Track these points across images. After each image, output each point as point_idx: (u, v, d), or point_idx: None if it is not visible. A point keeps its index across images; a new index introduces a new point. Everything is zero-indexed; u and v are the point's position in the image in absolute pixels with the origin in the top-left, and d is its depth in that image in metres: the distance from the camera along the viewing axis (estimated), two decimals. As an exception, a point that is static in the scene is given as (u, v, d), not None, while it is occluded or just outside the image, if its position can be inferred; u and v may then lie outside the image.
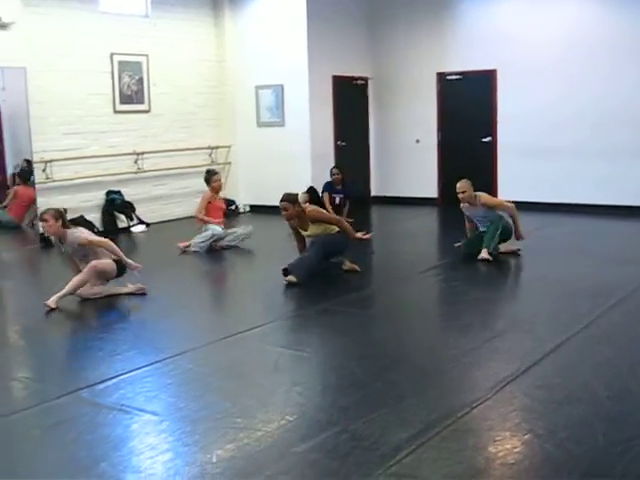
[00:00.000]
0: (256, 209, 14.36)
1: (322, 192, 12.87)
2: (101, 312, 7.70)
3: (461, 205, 9.72)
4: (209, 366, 5.92)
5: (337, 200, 12.86)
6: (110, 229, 12.40)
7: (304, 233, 9.03)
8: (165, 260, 10.35)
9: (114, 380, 5.40)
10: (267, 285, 8.50)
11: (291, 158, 13.84)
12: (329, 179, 13.03)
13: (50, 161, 11.65)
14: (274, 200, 13.60)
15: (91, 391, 5.19)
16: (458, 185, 9.53)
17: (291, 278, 8.28)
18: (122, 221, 12.71)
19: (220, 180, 11.45)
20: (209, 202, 11.13)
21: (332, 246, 8.78)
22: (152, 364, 5.77)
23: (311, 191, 12.71)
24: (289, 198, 8.88)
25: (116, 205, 12.59)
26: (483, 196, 9.59)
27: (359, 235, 9.00)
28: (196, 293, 8.80)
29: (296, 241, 9.20)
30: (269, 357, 6.07)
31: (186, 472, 4.02)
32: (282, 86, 13.97)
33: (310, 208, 9.13)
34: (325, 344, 6.54)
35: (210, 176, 11.25)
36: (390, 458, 4.06)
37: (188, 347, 6.25)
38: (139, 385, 5.34)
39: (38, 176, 11.57)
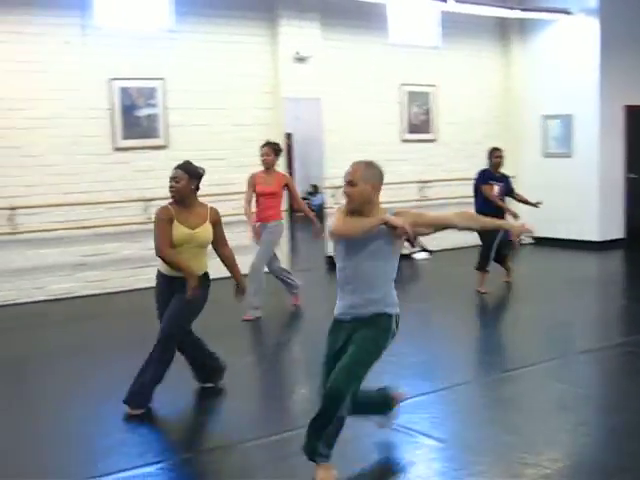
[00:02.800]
0: (541, 242, 13.98)
1: (479, 184, 10.28)
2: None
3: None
4: (492, 398, 5.89)
5: (497, 190, 10.23)
6: (393, 255, 12.72)
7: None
8: (446, 289, 10.43)
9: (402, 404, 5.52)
10: (551, 319, 8.30)
11: (578, 190, 13.44)
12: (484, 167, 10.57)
13: (340, 187, 12.13)
14: (560, 232, 13.50)
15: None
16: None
17: None
18: (405, 247, 12.93)
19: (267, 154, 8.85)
20: (252, 185, 8.80)
21: None
22: (436, 391, 5.84)
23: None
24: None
25: (399, 232, 12.87)
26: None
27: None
28: (477, 324, 8.79)
29: None
30: (554, 393, 5.93)
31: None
32: (571, 116, 13.63)
33: None
34: (613, 384, 6.28)
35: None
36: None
37: (469, 378, 6.25)
38: (424, 410, 5.42)
39: (328, 201, 12.12)
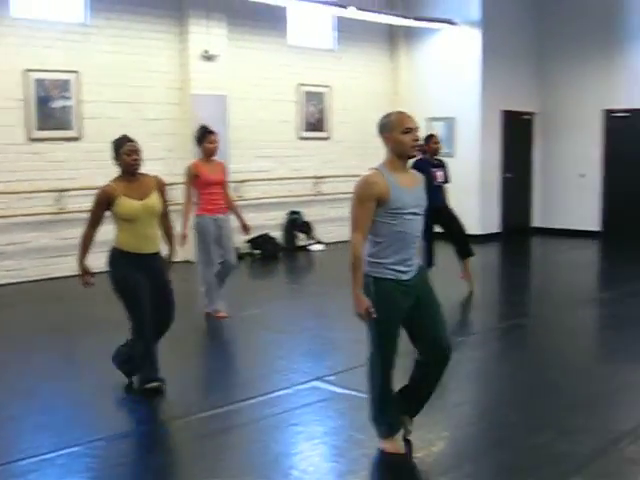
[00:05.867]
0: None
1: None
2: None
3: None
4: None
5: (439, 177, 9.66)
6: (290, 246, 13.41)
7: None
8: (340, 279, 11.08)
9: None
10: (448, 302, 9.14)
11: (459, 188, 14.37)
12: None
13: (243, 181, 12.71)
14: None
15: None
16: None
17: None
18: (301, 240, 13.67)
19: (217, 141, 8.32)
20: (196, 177, 8.17)
21: None
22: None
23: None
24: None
25: (297, 224, 13.57)
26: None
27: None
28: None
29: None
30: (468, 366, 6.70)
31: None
32: (454, 119, 14.67)
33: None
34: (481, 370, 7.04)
35: (206, 133, 8.26)
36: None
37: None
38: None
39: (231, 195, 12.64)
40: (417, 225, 4.49)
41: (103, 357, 6.85)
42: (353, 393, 5.77)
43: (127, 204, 5.63)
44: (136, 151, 5.74)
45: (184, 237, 7.99)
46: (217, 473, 4.53)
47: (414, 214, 4.45)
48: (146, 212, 5.69)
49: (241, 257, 12.61)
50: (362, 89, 14.81)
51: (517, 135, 15.42)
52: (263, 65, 13.15)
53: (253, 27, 12.94)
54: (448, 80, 14.74)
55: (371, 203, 4.36)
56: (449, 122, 14.75)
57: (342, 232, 14.33)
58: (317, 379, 6.13)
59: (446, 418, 5.46)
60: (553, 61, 15.40)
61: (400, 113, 4.55)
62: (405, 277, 4.45)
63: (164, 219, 5.96)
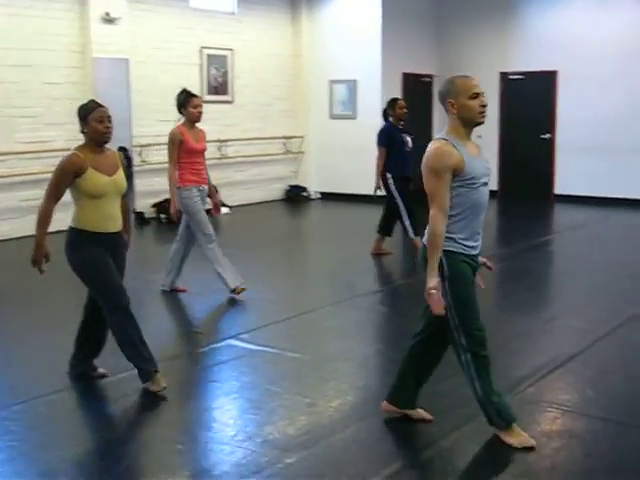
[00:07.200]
0: (326, 196, 15.33)
1: (380, 144, 9.77)
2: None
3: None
4: (337, 321, 6.96)
5: (409, 143, 9.73)
6: (196, 210, 13.45)
7: None
8: (249, 241, 11.32)
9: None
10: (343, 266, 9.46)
11: (361, 149, 14.66)
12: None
13: (146, 145, 12.67)
14: (344, 188, 14.82)
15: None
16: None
17: None
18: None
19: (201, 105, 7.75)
20: (181, 143, 7.54)
21: None
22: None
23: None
24: None
25: (202, 188, 13.60)
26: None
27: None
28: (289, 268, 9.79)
29: None
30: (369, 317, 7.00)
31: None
32: (355, 81, 14.92)
33: None
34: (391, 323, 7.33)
35: (189, 97, 7.64)
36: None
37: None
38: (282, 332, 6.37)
39: (135, 159, 12.60)
40: (487, 196, 4.27)
41: (18, 325, 6.90)
42: (266, 349, 6.03)
43: (96, 179, 4.97)
44: (109, 118, 5.03)
45: (175, 212, 7.64)
46: (140, 430, 4.68)
47: (485, 184, 4.23)
48: (115, 189, 5.08)
49: (147, 222, 12.65)
50: (264, 52, 14.88)
51: (418, 97, 15.70)
52: (165, 28, 13.07)
53: (154, -11, 12.85)
54: (349, 43, 14.94)
55: (448, 174, 4.08)
56: (351, 84, 14.99)
57: (247, 195, 14.58)
58: (231, 337, 6.33)
59: (359, 369, 5.73)
60: (451, 23, 15.81)
61: (466, 77, 4.25)
62: (474, 252, 4.34)
63: (123, 197, 5.30)
